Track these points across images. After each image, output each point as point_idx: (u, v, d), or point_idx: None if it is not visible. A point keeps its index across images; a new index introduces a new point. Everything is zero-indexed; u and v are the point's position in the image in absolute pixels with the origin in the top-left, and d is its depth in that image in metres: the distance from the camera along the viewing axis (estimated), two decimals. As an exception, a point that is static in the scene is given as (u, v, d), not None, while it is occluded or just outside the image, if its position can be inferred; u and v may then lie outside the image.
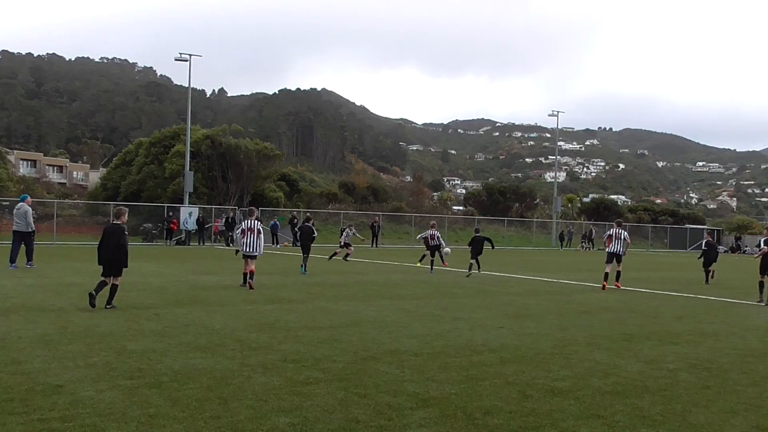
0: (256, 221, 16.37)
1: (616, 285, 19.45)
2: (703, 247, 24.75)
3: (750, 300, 17.28)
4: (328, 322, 10.99)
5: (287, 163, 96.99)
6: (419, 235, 27.47)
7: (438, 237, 24.49)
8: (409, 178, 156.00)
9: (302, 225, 21.75)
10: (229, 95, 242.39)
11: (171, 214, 41.24)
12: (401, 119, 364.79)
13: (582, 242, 57.95)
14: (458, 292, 16.79)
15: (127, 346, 8.53)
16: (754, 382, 7.79)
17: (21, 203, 20.33)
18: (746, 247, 68.60)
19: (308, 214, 26.52)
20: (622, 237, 20.10)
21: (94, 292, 11.58)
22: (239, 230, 16.43)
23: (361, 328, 10.50)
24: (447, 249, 25.88)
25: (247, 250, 16.03)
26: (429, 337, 9.81)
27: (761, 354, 9.54)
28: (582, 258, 41.60)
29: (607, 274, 19.36)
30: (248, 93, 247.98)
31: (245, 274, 16.13)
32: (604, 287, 18.73)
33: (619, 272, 19.86)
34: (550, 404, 6.49)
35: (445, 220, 55.64)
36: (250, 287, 15.41)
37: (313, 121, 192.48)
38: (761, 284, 16.90)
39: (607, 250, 20.10)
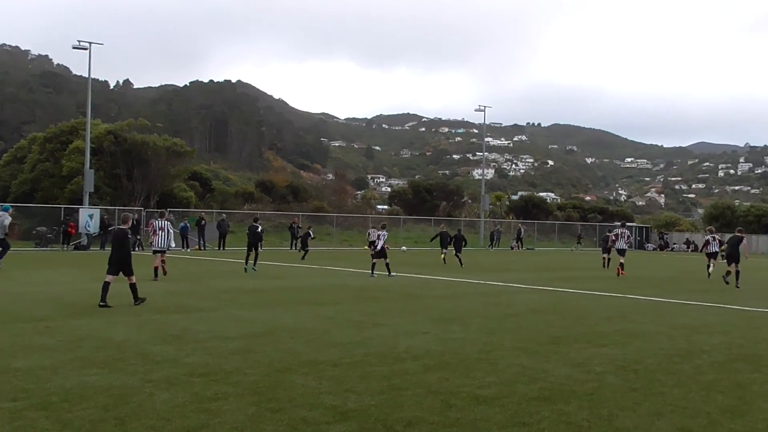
0: (166, 222, 19.42)
1: (622, 273, 26.14)
2: (607, 243, 31.83)
3: (679, 299, 17.93)
4: (240, 331, 10.80)
5: (199, 161, 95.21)
6: (375, 238, 26.72)
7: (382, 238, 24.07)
8: (331, 176, 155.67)
9: (250, 225, 24.96)
10: (135, 87, 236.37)
11: (69, 216, 39.88)
12: (323, 114, 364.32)
13: (512, 242, 59.12)
14: (382, 296, 16.81)
15: (12, 364, 8.14)
16: (679, 382, 8.06)
17: (2, 212, 23.82)
18: (674, 244, 71.38)
19: (256, 215, 28.45)
20: (626, 235, 27.89)
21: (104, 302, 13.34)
22: (151, 230, 19.70)
23: (277, 337, 10.36)
24: (403, 247, 26.64)
25: (159, 245, 19.56)
26: (349, 346, 9.76)
27: (687, 354, 9.89)
28: (510, 258, 42.39)
29: (622, 264, 26.74)
30: (157, 85, 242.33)
31: (156, 268, 19.27)
32: (619, 273, 26.14)
33: (622, 263, 26.80)
34: (474, 413, 6.52)
35: (369, 220, 55.76)
36: (164, 272, 18.91)
37: (228, 116, 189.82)
38: (728, 273, 21.71)
39: (616, 246, 27.74)
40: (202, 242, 42.69)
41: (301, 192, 69.52)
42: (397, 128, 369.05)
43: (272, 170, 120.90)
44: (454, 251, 31.59)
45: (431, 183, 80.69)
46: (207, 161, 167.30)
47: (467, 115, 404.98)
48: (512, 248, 57.82)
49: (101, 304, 13.29)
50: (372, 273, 23.28)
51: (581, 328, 11.96)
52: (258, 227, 24.53)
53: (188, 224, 42.99)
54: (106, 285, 13.44)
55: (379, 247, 23.78)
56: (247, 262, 24.06)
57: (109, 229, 40.84)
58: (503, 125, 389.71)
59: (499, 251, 54.32)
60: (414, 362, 8.73)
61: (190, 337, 10.22)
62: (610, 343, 10.59)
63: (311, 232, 39.57)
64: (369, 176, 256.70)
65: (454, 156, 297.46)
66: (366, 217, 57.97)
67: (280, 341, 10.00)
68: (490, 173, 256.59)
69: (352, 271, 26.18)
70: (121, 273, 13.57)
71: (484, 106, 67.06)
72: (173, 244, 19.71)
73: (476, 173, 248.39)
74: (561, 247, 66.51)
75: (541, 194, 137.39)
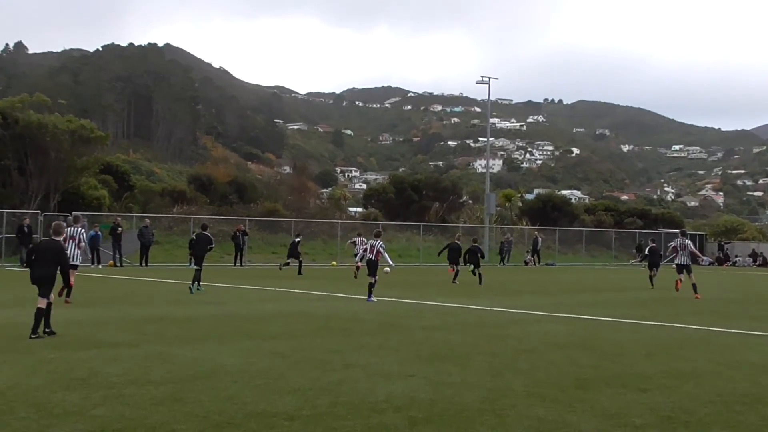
0: (81, 229, 20.58)
1: (696, 297, 26.99)
2: (645, 252, 33.70)
3: (741, 328, 18.06)
4: (168, 373, 10.74)
5: (114, 149, 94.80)
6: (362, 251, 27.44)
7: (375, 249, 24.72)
8: (288, 170, 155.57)
9: (198, 233, 26.54)
10: (30, 53, 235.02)
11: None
12: (277, 87, 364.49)
13: (526, 256, 59.41)
14: (354, 327, 16.78)
15: None
16: (744, 438, 8.10)
17: None
18: (737, 257, 71.95)
19: (204, 222, 30.15)
20: (687, 248, 28.74)
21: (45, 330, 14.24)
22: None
23: (215, 381, 10.31)
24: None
25: (73, 259, 20.71)
26: (311, 392, 9.73)
27: (752, 400, 9.94)
28: (524, 276, 42.55)
29: (679, 280, 28.24)
30: (59, 50, 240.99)
31: (71, 288, 19.92)
32: (677, 288, 28.18)
33: (694, 284, 27.78)
34: (475, 480, 6.51)
35: (338, 227, 55.81)
36: (66, 302, 19.04)
37: (153, 90, 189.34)
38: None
39: (675, 261, 28.97)
40: (118, 256, 42.46)
41: (249, 190, 69.40)
42: (374, 106, 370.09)
43: (211, 162, 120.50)
44: (471, 267, 33.53)
45: (419, 178, 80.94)
46: (125, 150, 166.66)
47: (467, 89, 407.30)
48: (526, 263, 58.16)
49: (46, 330, 14.26)
50: (369, 296, 23.44)
51: (616, 368, 12.00)
52: (209, 237, 26.19)
53: (100, 233, 42.73)
54: (40, 311, 14.21)
55: (372, 259, 24.18)
56: (193, 282, 25.29)
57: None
58: (514, 102, 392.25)
59: (509, 268, 54.55)
60: (396, 414, 8.71)
61: (101, 381, 10.14)
62: (653, 387, 10.62)
63: (297, 240, 40.96)
64: (338, 169, 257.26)
65: (449, 143, 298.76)
66: (334, 224, 57.98)
67: (220, 386, 9.95)
68: (496, 165, 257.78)
69: (316, 293, 26.17)
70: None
71: (489, 78, 67.40)
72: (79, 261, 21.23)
73: (479, 165, 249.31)
74: (590, 261, 66.97)
75: (564, 192, 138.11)
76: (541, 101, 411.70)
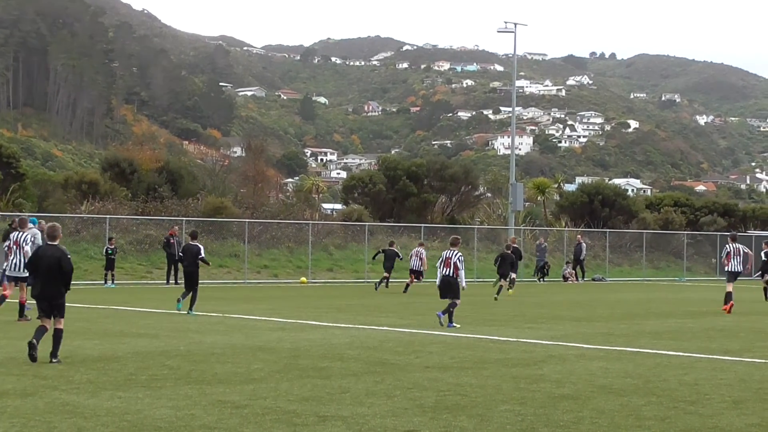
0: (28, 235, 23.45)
1: (725, 308, 32.04)
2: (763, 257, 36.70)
3: None
4: (77, 432, 10.76)
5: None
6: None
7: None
8: (239, 152, 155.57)
9: (187, 244, 29.18)
10: None
11: None
12: (223, 38, 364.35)
13: (565, 268, 59.47)
14: (332, 366, 16.82)
15: None
16: None
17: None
18: None
19: (194, 229, 32.06)
20: (741, 252, 33.35)
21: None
22: (5, 246, 23.39)
23: (144, 441, 10.33)
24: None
25: (17, 270, 23.27)
26: (275, 455, 9.78)
27: None
28: (562, 295, 42.60)
29: (729, 293, 32.31)
30: None
31: (21, 304, 23.42)
32: (727, 310, 31.90)
33: (730, 292, 32.08)
34: None
35: (309, 230, 55.79)
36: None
37: (49, 42, 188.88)
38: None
39: (726, 269, 33.43)
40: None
41: (185, 181, 69.24)
42: (357, 64, 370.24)
43: (132, 141, 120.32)
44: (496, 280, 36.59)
45: (419, 163, 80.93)
46: (10, 125, 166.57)
47: (484, 40, 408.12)
48: (565, 278, 58.23)
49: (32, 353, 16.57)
50: (450, 320, 24.89)
51: (691, 421, 12.07)
52: (200, 248, 28.50)
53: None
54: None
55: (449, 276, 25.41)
56: (182, 302, 28.15)
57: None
58: (549, 58, 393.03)
59: (543, 283, 54.64)
60: (392, 484, 8.76)
61: (-15, 443, 10.15)
62: (743, 446, 10.68)
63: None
64: (308, 151, 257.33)
65: (460, 114, 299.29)
66: (303, 226, 57.99)
67: (150, 449, 9.99)
68: (525, 145, 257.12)
69: (279, 321, 26.19)
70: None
71: (516, 24, 67.36)
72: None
73: (501, 145, 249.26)
74: (653, 275, 67.07)
75: (618, 182, 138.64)
76: (587, 56, 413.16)
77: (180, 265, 47.08)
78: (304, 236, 56.44)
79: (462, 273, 25.20)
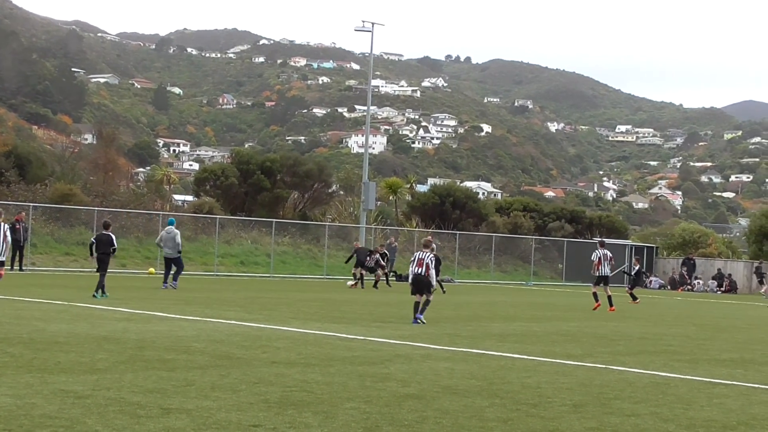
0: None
1: (611, 309, 36.12)
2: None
3: (698, 375, 18.65)
4: None
5: None
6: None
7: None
8: (90, 139, 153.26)
9: (100, 233, 31.62)
10: None
11: None
12: (77, 23, 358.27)
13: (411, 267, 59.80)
14: (178, 359, 16.70)
15: None
16: None
17: (169, 227, 39.03)
18: (696, 278, 73.73)
19: (107, 219, 34.68)
20: (609, 257, 36.90)
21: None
22: None
23: (-18, 430, 10.13)
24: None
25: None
26: (117, 448, 9.68)
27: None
28: (410, 296, 42.88)
29: (596, 293, 36.63)
30: None
31: None
32: (596, 308, 36.31)
33: (610, 296, 36.49)
34: None
35: (159, 221, 55.26)
36: None
37: None
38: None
39: (596, 273, 36.78)
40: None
41: (34, 166, 67.98)
42: (213, 56, 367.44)
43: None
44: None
45: (273, 158, 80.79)
46: None
47: (341, 38, 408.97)
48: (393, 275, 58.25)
49: None
50: (420, 314, 26.84)
51: (532, 423, 12.23)
52: (112, 237, 31.48)
53: None
54: None
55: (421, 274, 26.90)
56: (98, 289, 30.49)
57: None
58: (405, 59, 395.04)
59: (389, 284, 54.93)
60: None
61: None
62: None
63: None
64: (160, 141, 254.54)
65: (315, 111, 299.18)
66: (153, 216, 57.41)
67: (-11, 438, 9.80)
68: (379, 144, 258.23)
69: (125, 311, 25.90)
70: None
71: (373, 24, 67.67)
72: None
73: (355, 143, 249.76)
74: (501, 278, 68.01)
75: (469, 184, 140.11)
76: (442, 59, 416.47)
77: (25, 252, 46.60)
78: (153, 227, 55.91)
79: (433, 272, 27.01)
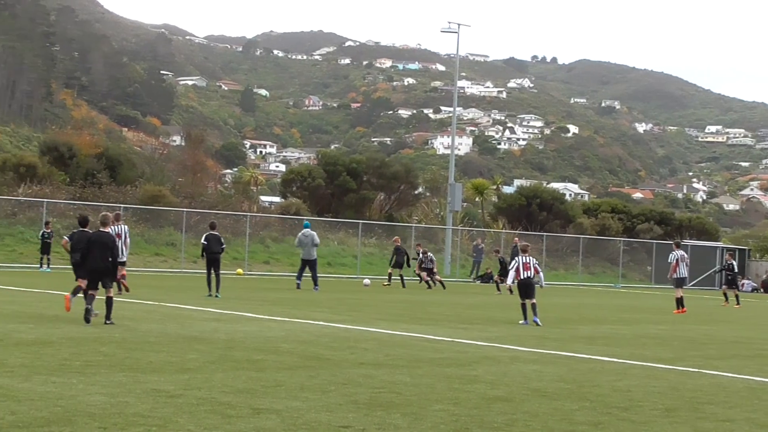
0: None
1: (682, 311, 35.67)
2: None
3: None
4: (11, 416, 10.67)
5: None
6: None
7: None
8: (178, 140, 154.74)
9: (208, 234, 32.91)
10: None
11: None
12: (166, 26, 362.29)
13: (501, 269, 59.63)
14: (267, 359, 16.80)
15: None
16: None
17: (306, 230, 40.50)
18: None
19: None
20: (686, 259, 36.72)
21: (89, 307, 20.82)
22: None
23: (77, 427, 10.29)
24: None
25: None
26: (209, 447, 9.75)
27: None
28: (496, 297, 42.75)
29: (679, 299, 36.13)
30: None
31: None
32: (680, 312, 35.59)
33: (681, 298, 36.04)
34: None
35: (247, 222, 55.63)
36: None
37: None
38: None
39: (675, 275, 36.42)
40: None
41: (124, 167, 68.81)
42: (299, 58, 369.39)
43: (71, 125, 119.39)
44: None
45: (359, 159, 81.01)
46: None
47: (427, 39, 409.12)
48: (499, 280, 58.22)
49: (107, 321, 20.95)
50: (536, 314, 27.48)
51: (623, 427, 12.15)
52: (220, 236, 32.56)
53: None
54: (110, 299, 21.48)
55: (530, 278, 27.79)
56: (210, 288, 31.73)
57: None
58: (491, 60, 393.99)
59: (477, 285, 54.76)
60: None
61: None
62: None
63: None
64: (247, 143, 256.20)
65: (401, 112, 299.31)
66: (240, 218, 57.80)
67: (83, 435, 9.92)
68: (465, 145, 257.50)
69: (214, 312, 26.10)
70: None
71: (459, 25, 67.66)
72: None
73: (440, 144, 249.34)
74: (588, 280, 67.49)
75: (556, 186, 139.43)
76: (528, 59, 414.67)
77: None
78: (241, 228, 56.30)
79: (542, 275, 29.21)
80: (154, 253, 52.59)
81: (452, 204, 65.81)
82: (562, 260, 70.49)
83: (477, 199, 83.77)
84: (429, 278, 46.60)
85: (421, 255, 47.47)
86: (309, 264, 40.04)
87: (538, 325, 26.76)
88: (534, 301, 27.34)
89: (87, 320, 20.66)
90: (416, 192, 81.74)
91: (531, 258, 27.84)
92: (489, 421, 11.99)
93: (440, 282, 46.66)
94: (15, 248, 48.63)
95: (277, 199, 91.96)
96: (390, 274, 47.06)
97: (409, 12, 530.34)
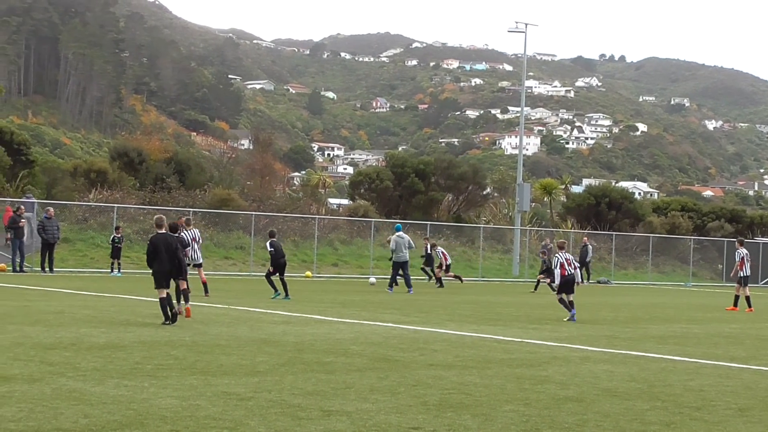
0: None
1: (749, 310, 35.43)
2: None
3: None
4: (84, 419, 10.78)
5: (7, 110, 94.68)
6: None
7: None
8: (246, 144, 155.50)
9: (273, 242, 33.30)
10: None
11: None
12: (233, 31, 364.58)
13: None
14: (336, 361, 16.83)
15: None
16: None
17: (399, 232, 40.92)
18: None
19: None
20: (749, 257, 36.50)
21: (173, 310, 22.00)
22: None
23: (149, 430, 10.38)
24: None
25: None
26: (279, 449, 9.78)
27: None
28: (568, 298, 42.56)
29: (737, 297, 36.37)
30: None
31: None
32: (732, 309, 36.09)
33: (748, 297, 35.88)
34: None
35: (315, 225, 55.76)
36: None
37: (60, 30, 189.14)
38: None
39: (741, 273, 36.09)
40: (19, 258, 42.58)
41: (193, 172, 69.27)
42: (366, 60, 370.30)
43: (140, 131, 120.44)
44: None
45: (427, 161, 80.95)
46: (21, 111, 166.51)
47: (494, 39, 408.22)
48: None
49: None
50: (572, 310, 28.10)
51: (696, 427, 12.06)
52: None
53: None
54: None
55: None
56: (276, 288, 32.70)
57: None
58: (558, 59, 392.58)
59: (545, 285, 54.55)
60: (396, 480, 8.76)
61: (-8, 428, 10.18)
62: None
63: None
64: (315, 146, 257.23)
65: (468, 113, 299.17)
66: (309, 220, 57.96)
67: (155, 439, 10.00)
68: (532, 145, 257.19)
69: (283, 314, 26.21)
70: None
71: (526, 24, 67.44)
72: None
73: (508, 144, 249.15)
74: (658, 279, 67.02)
75: (625, 185, 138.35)
76: (596, 58, 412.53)
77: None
78: (309, 230, 56.42)
79: (578, 272, 29.47)
80: (223, 256, 52.88)
81: (520, 204, 65.59)
82: (632, 259, 70.00)
83: (545, 199, 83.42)
84: (439, 275, 46.67)
85: (429, 251, 48.02)
86: (402, 266, 40.37)
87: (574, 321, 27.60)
88: (572, 298, 28.15)
89: (172, 320, 21.76)
90: (484, 193, 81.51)
91: (569, 254, 28.79)
92: (560, 421, 11.96)
93: (439, 279, 46.48)
94: (86, 253, 49.12)
95: (345, 201, 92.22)
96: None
97: (476, 12, 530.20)
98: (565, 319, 27.75)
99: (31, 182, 58.30)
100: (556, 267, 28.22)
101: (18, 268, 42.18)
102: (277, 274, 32.77)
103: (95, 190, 58.79)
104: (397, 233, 40.87)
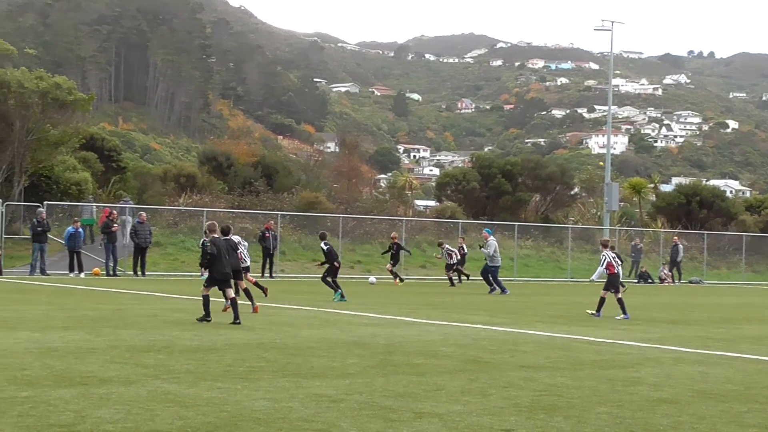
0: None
1: None
2: None
3: None
4: (178, 420, 10.90)
5: (98, 117, 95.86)
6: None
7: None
8: (332, 147, 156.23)
9: (326, 243, 33.43)
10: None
11: None
12: (318, 35, 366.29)
13: (662, 269, 58.96)
14: (427, 363, 16.84)
15: None
16: None
17: (490, 238, 41.99)
18: None
19: (323, 231, 36.44)
20: None
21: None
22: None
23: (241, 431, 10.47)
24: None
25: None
26: (372, 450, 9.82)
27: None
28: (659, 297, 42.22)
29: None
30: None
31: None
32: None
33: None
34: None
35: (403, 227, 55.84)
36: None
37: (149, 37, 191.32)
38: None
39: None
40: (112, 262, 43.15)
41: (280, 175, 69.70)
42: (450, 61, 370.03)
43: (228, 135, 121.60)
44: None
45: (513, 161, 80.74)
46: (112, 118, 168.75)
47: (578, 39, 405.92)
48: (662, 280, 57.70)
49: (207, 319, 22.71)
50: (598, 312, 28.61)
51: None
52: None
53: (81, 230, 43.31)
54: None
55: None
56: (336, 291, 32.56)
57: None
58: (645, 57, 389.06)
59: (637, 285, 54.15)
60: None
61: (89, 429, 10.32)
62: None
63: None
64: (401, 148, 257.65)
65: (554, 112, 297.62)
66: (396, 222, 58.06)
67: (250, 440, 10.08)
68: (620, 144, 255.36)
69: (372, 316, 26.29)
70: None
71: (613, 22, 66.98)
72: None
73: (596, 144, 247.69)
74: (752, 279, 66.17)
75: (716, 183, 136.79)
76: (684, 55, 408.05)
77: (274, 259, 47.92)
78: (397, 232, 56.57)
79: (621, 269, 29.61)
80: (311, 259, 53.07)
81: (609, 204, 65.20)
82: (725, 259, 69.14)
83: (634, 198, 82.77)
84: (452, 274, 47.07)
85: (466, 250, 48.98)
86: (496, 270, 41.52)
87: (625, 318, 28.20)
88: (620, 295, 28.55)
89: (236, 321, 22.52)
90: (572, 192, 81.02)
91: (615, 253, 29.31)
92: (654, 423, 11.86)
93: (450, 278, 46.93)
94: (177, 257, 49.68)
95: (432, 203, 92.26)
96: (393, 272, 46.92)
97: (561, 11, 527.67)
98: (588, 312, 29.38)
99: (123, 188, 59.07)
100: (602, 265, 28.64)
101: (111, 272, 42.83)
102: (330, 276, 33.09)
103: (185, 195, 59.43)
104: (491, 237, 41.53)
